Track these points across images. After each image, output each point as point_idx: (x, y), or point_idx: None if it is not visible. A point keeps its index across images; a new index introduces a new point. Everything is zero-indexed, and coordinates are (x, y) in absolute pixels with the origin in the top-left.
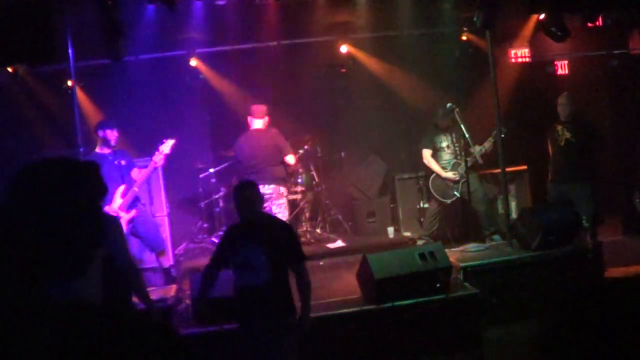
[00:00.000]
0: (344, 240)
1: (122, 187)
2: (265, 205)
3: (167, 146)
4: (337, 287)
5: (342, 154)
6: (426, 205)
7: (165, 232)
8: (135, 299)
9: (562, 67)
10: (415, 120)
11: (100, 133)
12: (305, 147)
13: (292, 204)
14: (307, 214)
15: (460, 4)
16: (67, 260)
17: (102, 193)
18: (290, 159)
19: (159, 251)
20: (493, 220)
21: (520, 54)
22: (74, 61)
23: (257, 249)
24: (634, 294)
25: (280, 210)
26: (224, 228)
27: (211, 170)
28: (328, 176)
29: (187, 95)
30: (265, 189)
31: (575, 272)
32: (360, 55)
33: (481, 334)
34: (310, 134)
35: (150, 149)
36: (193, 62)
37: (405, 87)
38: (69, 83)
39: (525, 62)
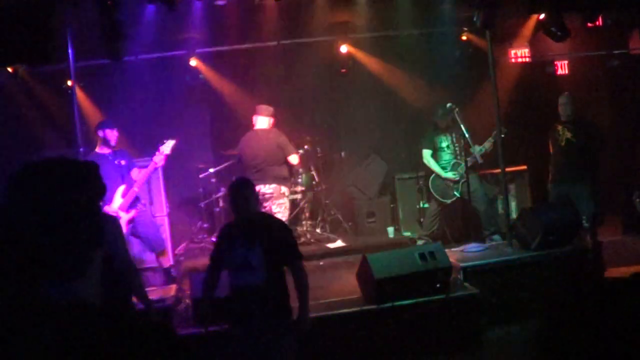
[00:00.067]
0: (344, 240)
1: (122, 187)
2: (266, 204)
3: (167, 146)
4: (337, 287)
5: (342, 154)
6: (426, 205)
7: (165, 232)
8: (134, 299)
9: (562, 67)
10: (415, 120)
11: (100, 133)
12: (305, 147)
13: (292, 204)
14: (307, 214)
15: (460, 4)
16: (66, 261)
17: (101, 193)
18: (294, 159)
19: (159, 251)
20: (493, 220)
21: (520, 54)
22: (73, 61)
23: (254, 248)
24: (634, 294)
25: (280, 210)
26: None
27: (211, 170)
28: (328, 176)
29: (187, 95)
30: (266, 189)
31: (575, 272)
32: (360, 55)
33: (481, 334)
34: (310, 134)
35: (150, 149)
36: (193, 62)
37: (405, 87)
38: (69, 83)
39: (525, 62)
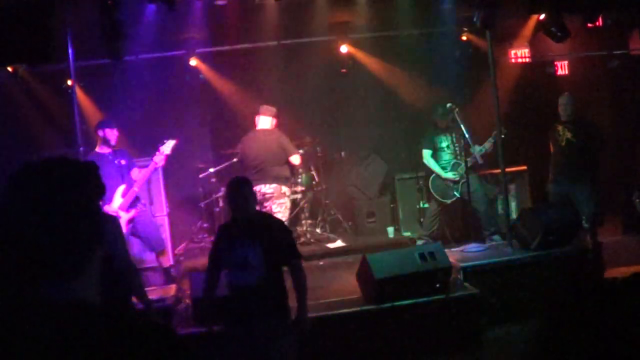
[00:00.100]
0: (344, 240)
1: (122, 187)
2: (266, 204)
3: (167, 146)
4: (337, 287)
5: (342, 154)
6: (426, 206)
7: (165, 232)
8: (134, 299)
9: (562, 68)
10: (415, 120)
11: (100, 133)
12: (305, 147)
13: (292, 204)
14: (307, 214)
15: (460, 4)
16: (66, 260)
17: (101, 193)
18: (295, 159)
19: (159, 251)
20: (493, 220)
21: (520, 54)
22: (73, 61)
23: (253, 247)
24: (634, 294)
25: (281, 209)
26: None
27: (211, 170)
28: (328, 176)
29: (187, 95)
30: (267, 189)
31: (575, 272)
32: (360, 55)
33: (481, 334)
34: (310, 134)
35: (150, 149)
36: (193, 62)
37: (405, 87)
38: (69, 83)
39: (525, 62)
